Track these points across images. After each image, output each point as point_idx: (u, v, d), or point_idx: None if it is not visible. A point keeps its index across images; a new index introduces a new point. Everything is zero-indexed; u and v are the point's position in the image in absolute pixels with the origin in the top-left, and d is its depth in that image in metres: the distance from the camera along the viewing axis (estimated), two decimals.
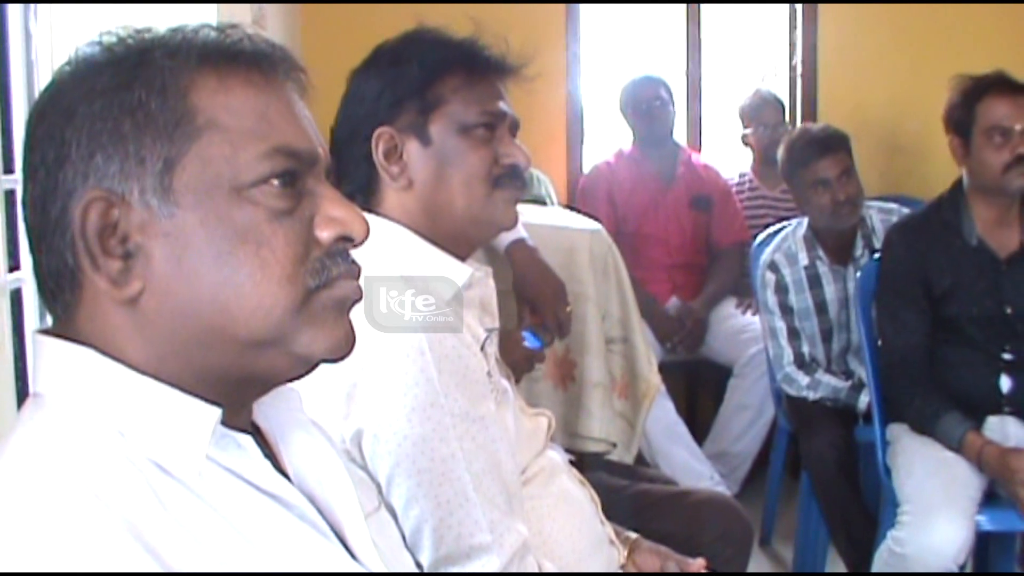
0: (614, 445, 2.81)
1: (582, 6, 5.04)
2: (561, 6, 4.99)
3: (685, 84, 5.13)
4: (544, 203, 3.92)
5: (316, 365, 1.05)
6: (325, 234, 1.03)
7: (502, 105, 1.76)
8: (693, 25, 5.15)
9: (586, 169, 4.88)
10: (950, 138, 3.01)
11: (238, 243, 0.98)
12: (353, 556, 1.09)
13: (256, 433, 1.09)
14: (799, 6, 5.15)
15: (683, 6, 5.15)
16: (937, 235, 3.02)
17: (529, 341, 2.26)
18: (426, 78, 1.72)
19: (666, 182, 4.60)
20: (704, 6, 5.16)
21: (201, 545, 0.92)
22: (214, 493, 0.97)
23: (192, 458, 0.96)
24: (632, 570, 1.90)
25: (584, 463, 2.21)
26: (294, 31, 4.61)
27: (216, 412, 0.99)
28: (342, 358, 1.05)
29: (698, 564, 1.93)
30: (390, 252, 1.65)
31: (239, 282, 0.98)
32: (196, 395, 0.99)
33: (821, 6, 5.11)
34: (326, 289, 1.02)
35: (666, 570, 1.92)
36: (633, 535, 1.95)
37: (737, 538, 2.35)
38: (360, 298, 1.06)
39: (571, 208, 4.10)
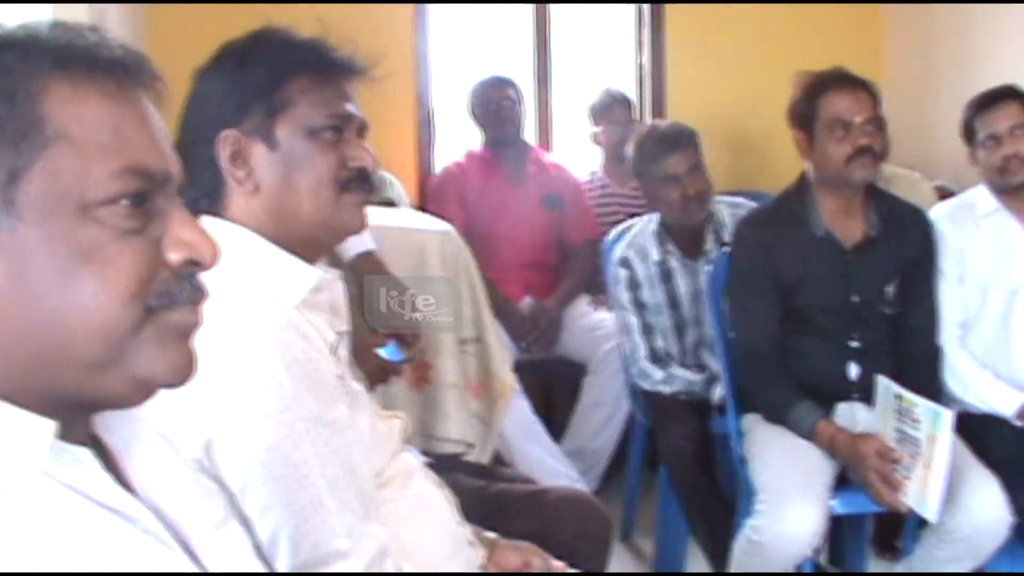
0: (471, 446, 2.80)
1: (430, 6, 5.01)
2: (409, 6, 4.95)
3: (534, 84, 5.14)
4: (394, 205, 3.89)
5: (156, 390, 1.02)
6: (174, 256, 0.99)
7: (349, 107, 1.72)
8: (541, 25, 5.16)
9: (436, 171, 4.85)
10: (794, 132, 3.06)
11: (82, 262, 0.94)
12: (201, 568, 1.05)
13: (97, 446, 1.04)
14: (646, 6, 5.21)
15: (531, 6, 5.17)
16: (785, 227, 3.07)
17: (389, 354, 2.23)
18: (272, 80, 1.68)
19: (516, 182, 4.60)
20: (552, 6, 5.18)
21: (33, 561, 0.88)
22: (50, 509, 0.93)
23: (26, 473, 0.92)
24: (493, 570, 1.88)
25: (441, 465, 2.18)
26: (137, 32, 4.49)
27: (51, 426, 0.94)
28: (182, 383, 1.02)
29: (560, 564, 1.92)
30: (236, 257, 1.60)
31: (82, 302, 0.94)
32: (32, 410, 0.94)
33: (667, 6, 5.18)
34: (169, 312, 0.99)
35: (530, 566, 1.90)
36: (492, 535, 1.93)
37: (595, 535, 2.35)
38: (200, 325, 1.03)
39: (422, 210, 4.07)
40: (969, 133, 3.28)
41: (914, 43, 5.20)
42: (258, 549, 1.44)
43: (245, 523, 1.46)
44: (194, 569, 1.04)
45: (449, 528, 1.79)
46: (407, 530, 1.72)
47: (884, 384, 2.89)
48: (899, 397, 2.79)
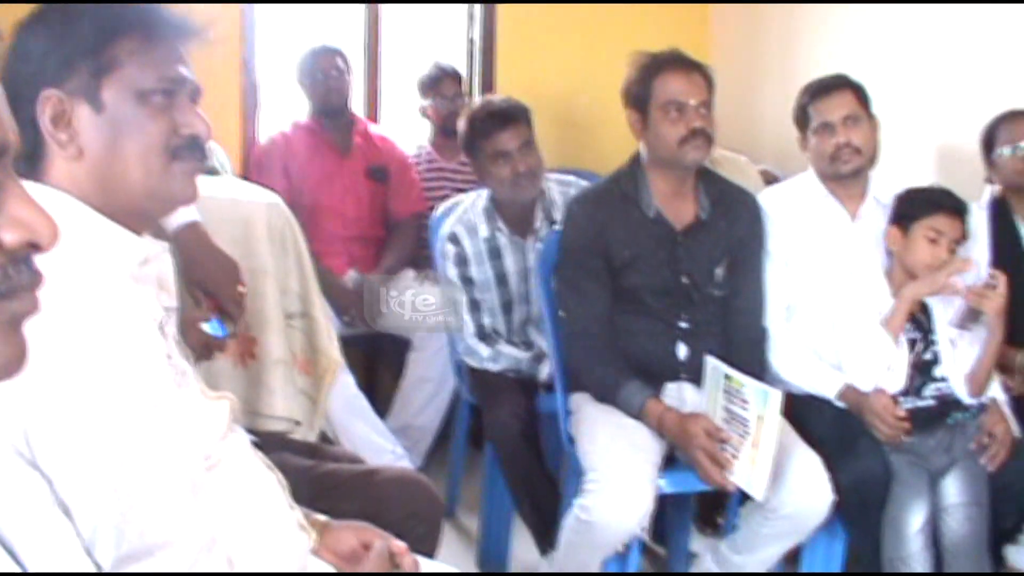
0: (297, 423, 2.73)
1: None
2: None
3: (363, 55, 5.04)
4: (216, 174, 3.76)
5: None
6: (9, 237, 0.91)
7: (183, 70, 1.63)
8: None
9: (261, 140, 4.72)
10: (628, 112, 3.06)
11: None
12: (19, 563, 0.97)
13: None
14: None
15: None
16: (617, 207, 3.07)
17: (212, 329, 2.14)
18: (99, 38, 1.56)
19: (342, 153, 4.52)
20: None
21: None
22: None
23: None
24: (325, 554, 1.81)
25: (267, 443, 2.10)
26: None
27: None
28: (13, 375, 0.95)
29: (401, 544, 1.86)
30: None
31: None
32: None
33: None
34: (4, 300, 0.91)
35: (370, 546, 1.84)
36: (323, 518, 1.87)
37: (427, 516, 2.31)
38: (37, 311, 0.94)
39: (245, 179, 3.96)
40: (802, 119, 3.33)
41: (740, 30, 5.29)
42: (81, 539, 1.34)
43: (67, 513, 1.36)
44: (11, 566, 0.96)
45: (280, 512, 1.72)
46: (236, 515, 1.64)
47: (712, 365, 2.91)
48: (728, 378, 2.82)
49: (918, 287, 3.06)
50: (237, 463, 1.70)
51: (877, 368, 3.05)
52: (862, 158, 3.24)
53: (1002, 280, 3.03)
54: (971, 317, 3.10)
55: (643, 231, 3.05)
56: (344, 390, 3.84)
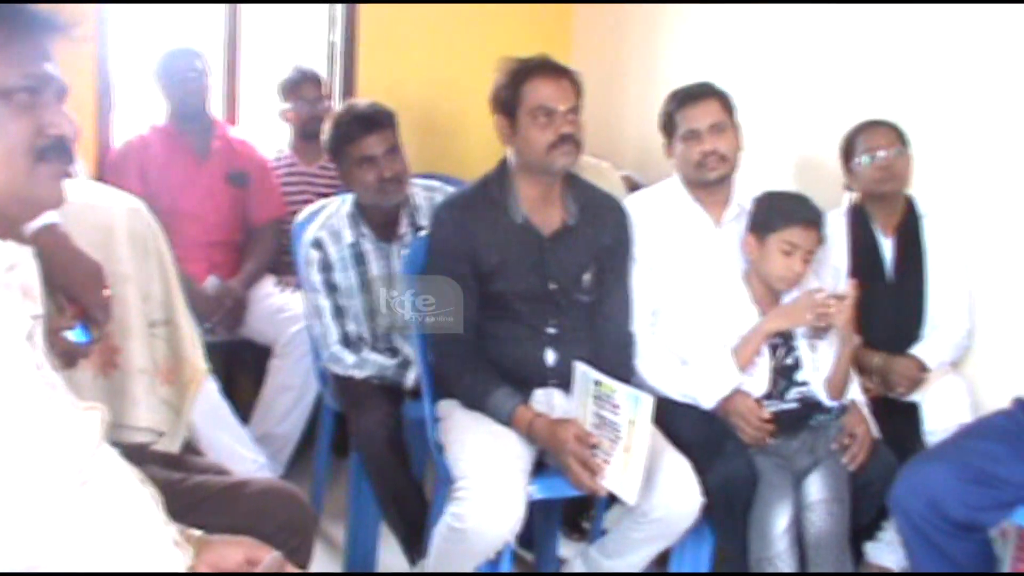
0: (161, 434, 2.65)
1: None
2: None
3: (223, 56, 4.94)
4: (70, 177, 3.63)
5: None
6: None
7: (48, 68, 1.56)
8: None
9: (117, 142, 4.59)
10: (497, 118, 3.05)
11: None
12: None
13: None
14: None
15: None
16: (485, 213, 3.06)
17: (76, 336, 2.06)
18: None
19: (201, 157, 4.43)
20: None
21: None
22: None
23: None
24: (204, 569, 1.75)
25: (130, 456, 2.04)
26: None
27: None
28: None
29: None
30: None
31: None
32: None
33: None
34: None
35: (256, 561, 1.78)
36: (198, 533, 1.81)
37: (299, 527, 2.27)
38: None
39: (100, 183, 3.84)
40: (668, 126, 3.36)
41: (602, 37, 5.34)
42: None
43: None
44: None
45: (155, 528, 1.66)
46: (109, 533, 1.58)
47: (581, 370, 2.92)
48: (598, 383, 2.83)
49: (776, 322, 3.14)
50: (109, 478, 1.64)
51: (720, 393, 3.11)
52: (728, 165, 3.31)
53: (850, 292, 3.11)
54: (820, 331, 3.17)
55: (511, 237, 3.04)
56: (206, 399, 3.75)
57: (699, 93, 3.35)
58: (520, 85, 2.99)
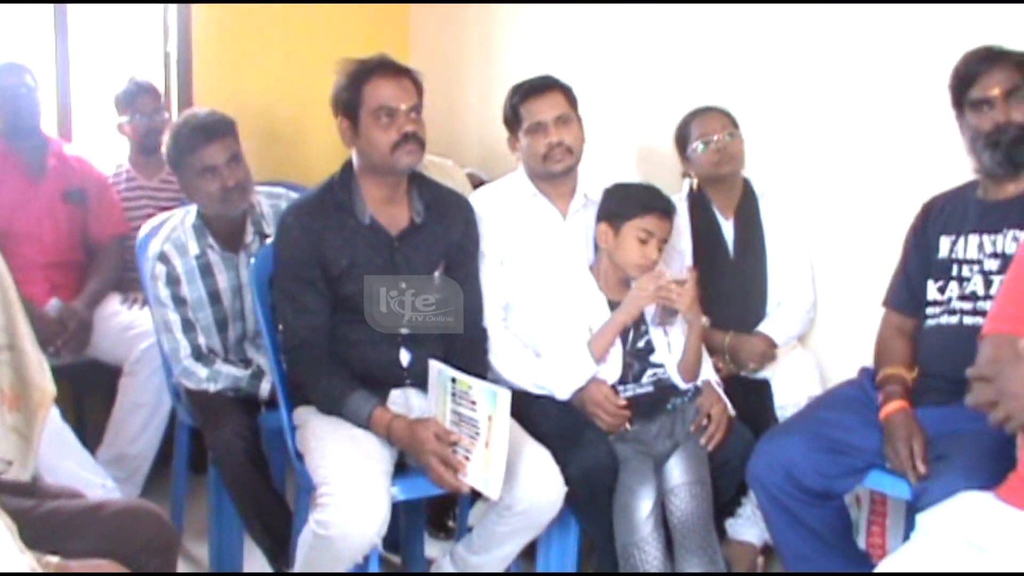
0: (9, 463, 2.58)
1: None
2: None
3: (54, 71, 4.80)
4: None
5: None
6: None
7: None
8: (60, 11, 4.82)
9: None
10: (339, 120, 3.04)
11: None
12: None
13: None
14: None
15: None
16: (332, 216, 3.04)
17: None
18: None
19: (36, 176, 4.30)
20: None
21: None
22: None
23: None
24: None
25: None
26: None
27: None
28: None
29: None
30: None
31: None
32: None
33: None
34: None
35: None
36: (56, 559, 1.77)
37: (161, 546, 2.24)
38: None
39: None
40: (513, 119, 3.39)
41: (439, 36, 5.36)
42: None
43: None
44: None
45: (12, 558, 1.62)
46: None
47: (437, 368, 2.93)
48: (454, 380, 2.84)
49: (628, 311, 3.18)
50: None
51: (575, 384, 3.15)
52: (573, 157, 3.36)
53: (691, 275, 3.18)
54: (669, 314, 3.23)
55: (359, 239, 3.03)
56: (49, 424, 3.66)
57: (543, 86, 3.39)
58: (361, 86, 2.98)
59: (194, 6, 5.04)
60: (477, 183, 4.18)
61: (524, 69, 3.93)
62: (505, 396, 2.70)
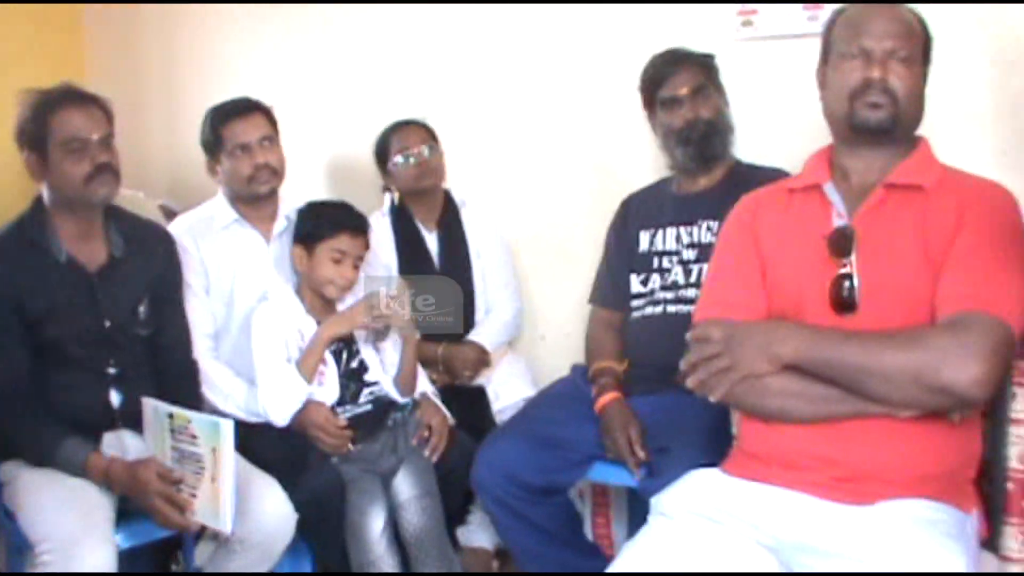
0: None
1: None
2: None
3: None
4: None
5: None
6: None
7: None
8: None
9: None
10: (25, 154, 2.88)
11: None
12: None
13: None
14: None
15: None
16: (25, 256, 2.87)
17: None
18: None
19: None
20: None
21: None
22: None
23: None
24: None
25: None
26: None
27: None
28: None
29: None
30: None
31: None
32: None
33: None
34: None
35: None
36: None
37: None
38: None
39: None
40: (214, 143, 3.31)
41: (116, 64, 5.14)
42: None
43: None
44: None
45: None
46: None
47: (152, 405, 2.83)
48: (171, 416, 2.75)
49: (332, 329, 3.16)
50: None
51: (290, 408, 3.11)
52: (278, 178, 3.32)
53: (403, 290, 3.20)
54: (381, 333, 3.24)
55: (56, 277, 2.88)
56: None
57: (246, 108, 3.34)
58: (47, 117, 2.83)
59: None
60: (170, 214, 4.04)
61: (210, 91, 3.86)
62: (228, 426, 2.63)
